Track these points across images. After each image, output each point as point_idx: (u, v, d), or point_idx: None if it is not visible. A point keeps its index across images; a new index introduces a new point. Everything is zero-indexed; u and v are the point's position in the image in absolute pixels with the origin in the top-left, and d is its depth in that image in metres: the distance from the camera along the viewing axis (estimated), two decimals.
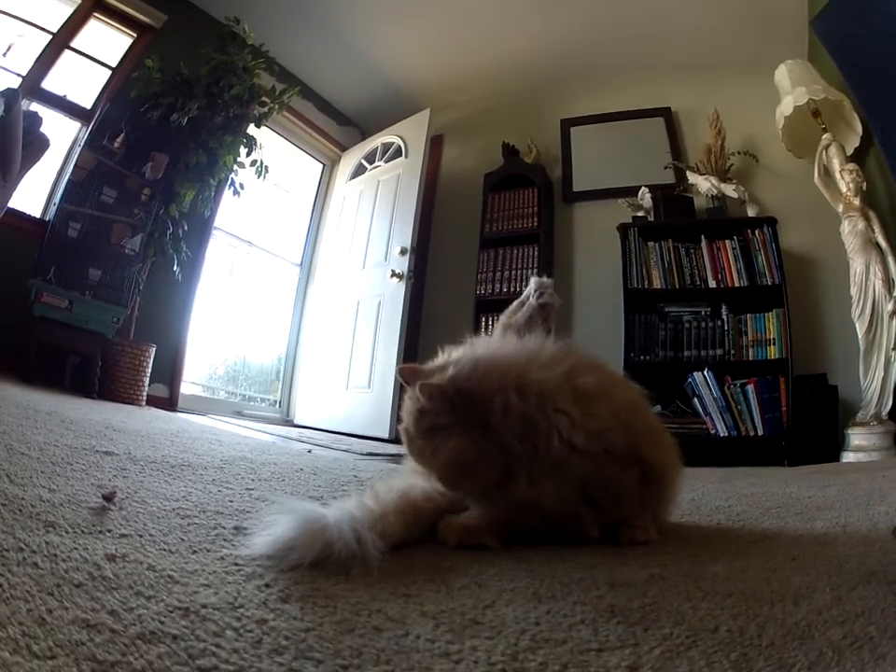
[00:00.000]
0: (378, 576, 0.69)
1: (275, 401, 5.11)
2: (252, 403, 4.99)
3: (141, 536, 0.76)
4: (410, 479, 1.01)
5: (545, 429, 0.85)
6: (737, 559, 0.90)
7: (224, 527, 0.86)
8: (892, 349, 3.14)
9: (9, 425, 1.48)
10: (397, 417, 3.95)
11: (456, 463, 0.87)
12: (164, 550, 0.72)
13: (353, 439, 3.75)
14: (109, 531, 0.76)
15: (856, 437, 3.16)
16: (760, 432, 3.43)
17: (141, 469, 1.28)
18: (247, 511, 1.00)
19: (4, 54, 3.58)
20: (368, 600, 0.62)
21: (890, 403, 3.14)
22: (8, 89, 2.62)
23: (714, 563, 0.86)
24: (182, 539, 0.77)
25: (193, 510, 0.96)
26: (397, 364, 4.09)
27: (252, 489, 1.24)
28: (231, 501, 1.07)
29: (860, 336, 3.29)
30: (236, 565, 0.69)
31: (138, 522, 0.83)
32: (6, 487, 0.88)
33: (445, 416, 0.88)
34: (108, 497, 0.91)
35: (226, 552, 0.74)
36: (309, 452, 2.46)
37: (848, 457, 3.13)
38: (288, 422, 4.84)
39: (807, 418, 3.33)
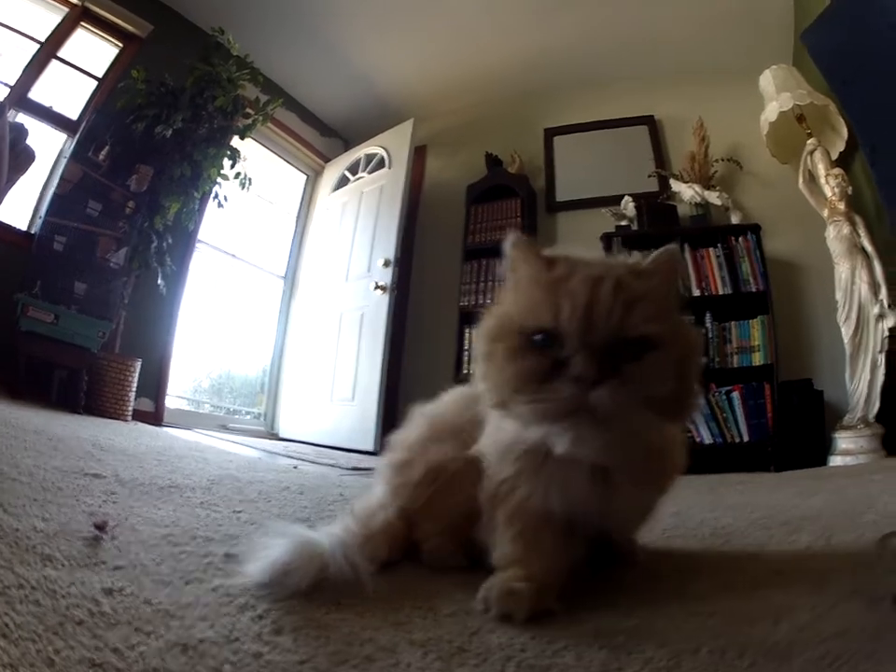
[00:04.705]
0: (368, 604, 0.71)
1: (260, 414, 5.07)
2: (237, 416, 4.96)
3: (135, 567, 0.78)
4: (380, 495, 0.99)
5: None
6: (721, 575, 0.91)
7: (215, 555, 0.88)
8: (879, 352, 3.15)
9: None
10: (381, 430, 3.89)
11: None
12: (158, 581, 0.74)
13: (338, 452, 3.75)
14: (104, 563, 0.78)
15: (843, 441, 3.17)
16: (745, 439, 3.44)
17: (129, 492, 1.30)
18: (236, 536, 1.02)
19: None
20: (359, 629, 0.63)
21: (877, 406, 3.14)
22: None
23: (698, 581, 0.87)
24: (175, 570, 0.79)
25: (184, 536, 0.97)
26: (380, 376, 4.11)
27: (240, 511, 1.26)
28: (220, 525, 1.09)
29: (846, 340, 3.29)
30: (228, 595, 0.70)
31: (131, 552, 0.85)
32: (0, 517, 0.89)
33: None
34: (100, 527, 0.92)
35: (218, 581, 0.76)
36: (295, 468, 2.47)
37: (836, 461, 3.13)
38: (273, 435, 4.81)
39: (794, 423, 3.34)
